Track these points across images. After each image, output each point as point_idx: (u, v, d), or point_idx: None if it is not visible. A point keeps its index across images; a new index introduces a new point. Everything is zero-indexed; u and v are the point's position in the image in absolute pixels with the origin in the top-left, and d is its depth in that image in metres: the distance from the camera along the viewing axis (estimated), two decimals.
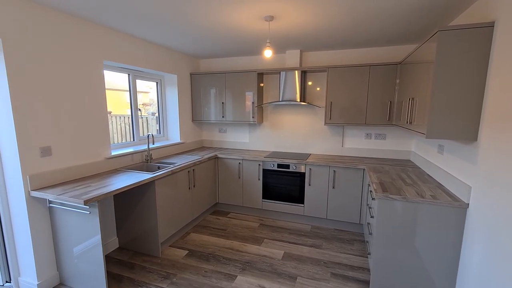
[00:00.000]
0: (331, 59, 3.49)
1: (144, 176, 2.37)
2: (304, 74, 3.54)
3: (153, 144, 3.03)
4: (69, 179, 2.22)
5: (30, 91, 1.92)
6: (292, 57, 3.49)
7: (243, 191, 3.56)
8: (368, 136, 3.47)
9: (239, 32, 2.61)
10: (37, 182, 1.98)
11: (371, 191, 2.35)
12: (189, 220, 3.08)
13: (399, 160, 3.25)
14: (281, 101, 3.42)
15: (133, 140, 3.24)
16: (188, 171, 2.99)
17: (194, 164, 3.07)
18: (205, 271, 2.36)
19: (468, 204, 1.76)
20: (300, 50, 3.46)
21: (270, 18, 2.22)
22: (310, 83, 3.62)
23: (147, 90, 3.76)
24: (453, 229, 1.82)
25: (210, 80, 3.79)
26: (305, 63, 3.59)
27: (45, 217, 2.07)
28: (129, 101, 3.16)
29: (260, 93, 3.71)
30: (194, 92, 3.93)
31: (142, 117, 3.45)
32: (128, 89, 3.13)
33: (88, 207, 1.85)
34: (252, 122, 3.66)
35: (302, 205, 3.30)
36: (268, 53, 2.32)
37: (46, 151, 2.04)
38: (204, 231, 3.13)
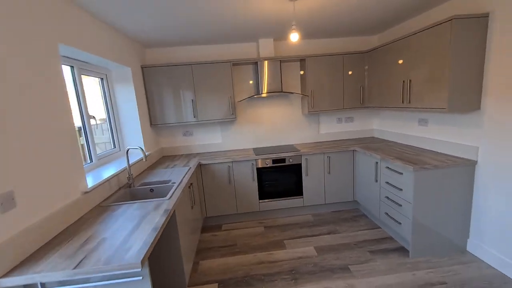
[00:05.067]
0: (302, 49, 3.52)
1: (163, 204, 1.71)
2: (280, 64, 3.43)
3: (146, 159, 2.22)
4: (50, 236, 1.34)
5: None
6: (266, 46, 3.30)
7: (236, 196, 3.16)
8: (339, 120, 3.76)
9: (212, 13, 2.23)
10: (6, 260, 1.08)
11: (388, 167, 2.56)
12: (195, 246, 2.49)
13: (366, 138, 3.69)
14: (267, 92, 3.22)
15: (91, 161, 2.28)
16: (189, 187, 2.38)
17: (191, 177, 2.47)
18: None
19: (477, 161, 2.20)
20: (273, 39, 3.33)
21: None
22: (284, 72, 3.55)
23: None
24: (468, 183, 2.24)
25: (171, 73, 3.10)
26: (277, 53, 3.48)
27: None
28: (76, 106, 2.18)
29: (233, 86, 3.34)
30: (151, 90, 3.13)
31: None
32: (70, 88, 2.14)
33: (140, 270, 1.16)
34: (231, 120, 3.28)
35: (301, 196, 3.26)
36: (294, 37, 2.08)
37: (7, 201, 1.14)
38: (213, 255, 2.60)
